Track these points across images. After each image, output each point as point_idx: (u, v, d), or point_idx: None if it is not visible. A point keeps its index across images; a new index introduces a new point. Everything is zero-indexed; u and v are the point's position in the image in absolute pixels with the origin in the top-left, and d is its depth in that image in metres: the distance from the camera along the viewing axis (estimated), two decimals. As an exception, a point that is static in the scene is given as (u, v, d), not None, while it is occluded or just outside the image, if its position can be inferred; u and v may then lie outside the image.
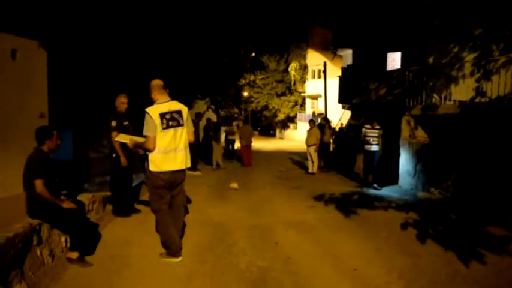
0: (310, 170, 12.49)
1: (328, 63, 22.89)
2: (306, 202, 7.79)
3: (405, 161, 9.63)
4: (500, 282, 3.92)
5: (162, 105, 4.27)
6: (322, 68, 23.42)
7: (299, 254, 4.63)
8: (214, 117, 18.68)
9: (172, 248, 4.32)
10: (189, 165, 4.42)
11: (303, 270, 4.14)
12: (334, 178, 11.79)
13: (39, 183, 3.88)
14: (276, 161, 16.98)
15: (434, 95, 9.68)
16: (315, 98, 32.62)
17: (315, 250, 4.83)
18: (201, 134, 14.24)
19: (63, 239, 4.44)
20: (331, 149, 15.05)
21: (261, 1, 25.64)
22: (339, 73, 17.90)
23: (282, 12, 31.48)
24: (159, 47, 11.88)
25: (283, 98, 36.57)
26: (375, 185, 9.29)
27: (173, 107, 4.30)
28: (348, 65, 16.90)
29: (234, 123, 19.39)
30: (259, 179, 11.16)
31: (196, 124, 12.43)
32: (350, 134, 13.94)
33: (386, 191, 9.06)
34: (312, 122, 13.05)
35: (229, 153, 16.55)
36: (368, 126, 9.56)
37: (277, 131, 41.30)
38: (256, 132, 35.68)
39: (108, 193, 6.47)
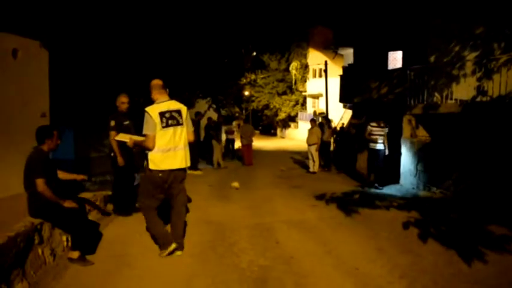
0: (311, 169, 12.49)
1: (329, 62, 22.88)
2: (307, 201, 7.78)
3: (406, 160, 9.61)
4: (501, 282, 3.91)
5: (161, 104, 4.30)
6: (323, 67, 23.43)
7: (300, 253, 4.63)
8: (215, 117, 18.69)
9: (161, 240, 4.35)
10: (188, 164, 4.44)
11: (304, 270, 4.14)
12: (335, 177, 11.79)
13: (40, 182, 3.88)
14: (277, 160, 16.98)
15: (436, 94, 9.68)
16: (316, 97, 32.63)
17: (317, 249, 4.82)
18: (202, 133, 14.25)
19: (64, 238, 4.45)
20: (331, 148, 15.04)
21: (262, 0, 25.63)
22: (340, 72, 17.87)
23: (283, 11, 31.47)
24: (160, 46, 11.88)
25: (284, 97, 36.58)
26: (376, 184, 9.28)
27: (172, 106, 4.33)
28: (349, 64, 16.89)
29: (235, 123, 19.39)
30: (260, 178, 11.16)
31: (197, 123, 12.44)
32: (352, 132, 13.94)
33: (387, 190, 9.06)
34: (313, 121, 13.06)
35: (229, 153, 16.55)
36: (374, 124, 9.31)
37: (278, 130, 41.32)
38: (257, 132, 35.70)
39: (109, 192, 6.49)
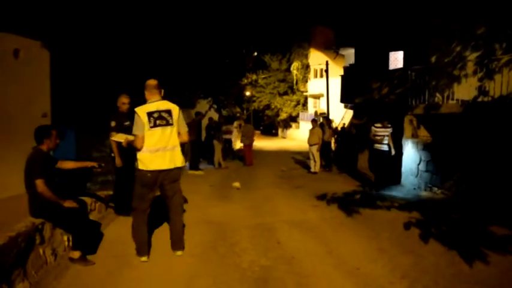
0: (312, 170, 12.48)
1: (330, 62, 22.86)
2: (309, 201, 7.78)
3: (407, 161, 9.60)
4: (503, 282, 3.90)
5: (150, 104, 4.29)
6: (324, 67, 23.39)
7: (302, 253, 4.63)
8: (216, 117, 18.69)
9: (137, 247, 4.32)
10: (179, 164, 4.37)
11: (305, 270, 4.14)
12: (336, 177, 11.78)
13: (40, 183, 3.88)
14: (278, 160, 16.97)
15: (437, 94, 9.67)
16: (317, 97, 32.60)
17: (318, 249, 4.82)
18: (203, 134, 14.25)
19: (65, 238, 4.45)
20: (332, 148, 15.03)
21: (263, 1, 25.64)
22: (341, 72, 17.87)
23: (284, 11, 31.50)
24: (161, 47, 11.89)
25: (285, 97, 36.59)
26: (377, 185, 9.24)
27: (162, 106, 4.29)
28: (350, 64, 16.89)
29: (236, 123, 19.36)
30: (261, 179, 11.16)
31: (197, 123, 12.43)
32: (353, 132, 13.92)
33: (388, 191, 9.04)
34: (314, 121, 13.06)
35: (228, 153, 16.53)
36: (379, 125, 9.06)
37: (280, 130, 41.32)
38: (258, 132, 35.66)
39: (111, 192, 6.49)
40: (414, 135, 9.63)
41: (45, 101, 7.56)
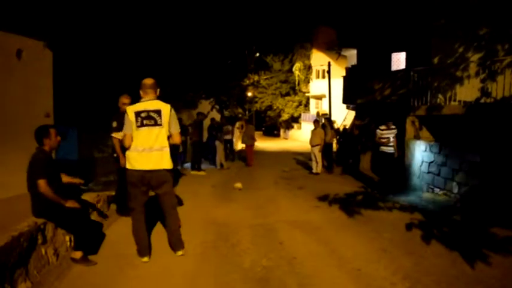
0: (314, 170, 12.48)
1: (332, 63, 22.86)
2: (310, 202, 7.78)
3: (410, 162, 9.58)
4: (505, 283, 3.89)
5: (140, 103, 4.23)
6: (326, 68, 23.41)
7: (303, 254, 4.62)
8: (218, 117, 18.71)
9: (138, 247, 4.32)
10: (166, 166, 4.23)
11: (307, 270, 4.13)
12: (338, 178, 11.77)
13: (42, 183, 3.89)
14: (280, 161, 16.98)
15: (439, 96, 9.65)
16: (319, 98, 32.61)
17: (320, 250, 4.82)
18: (205, 134, 14.27)
19: (67, 238, 4.46)
20: (334, 149, 15.02)
21: (265, 1, 25.65)
22: (344, 73, 17.87)
23: (286, 12, 31.53)
24: (164, 47, 11.92)
25: (287, 98, 36.62)
26: (382, 187, 9.21)
27: (151, 106, 4.18)
28: (352, 65, 16.89)
29: (238, 123, 19.34)
30: (263, 179, 11.16)
31: (199, 123, 12.45)
32: (355, 133, 13.90)
33: (391, 192, 9.02)
34: (316, 122, 13.04)
35: (227, 153, 16.52)
36: (383, 127, 8.97)
37: (281, 131, 41.34)
38: (260, 132, 35.64)
39: (113, 192, 6.50)
40: (416, 137, 9.61)
41: (48, 101, 7.59)
